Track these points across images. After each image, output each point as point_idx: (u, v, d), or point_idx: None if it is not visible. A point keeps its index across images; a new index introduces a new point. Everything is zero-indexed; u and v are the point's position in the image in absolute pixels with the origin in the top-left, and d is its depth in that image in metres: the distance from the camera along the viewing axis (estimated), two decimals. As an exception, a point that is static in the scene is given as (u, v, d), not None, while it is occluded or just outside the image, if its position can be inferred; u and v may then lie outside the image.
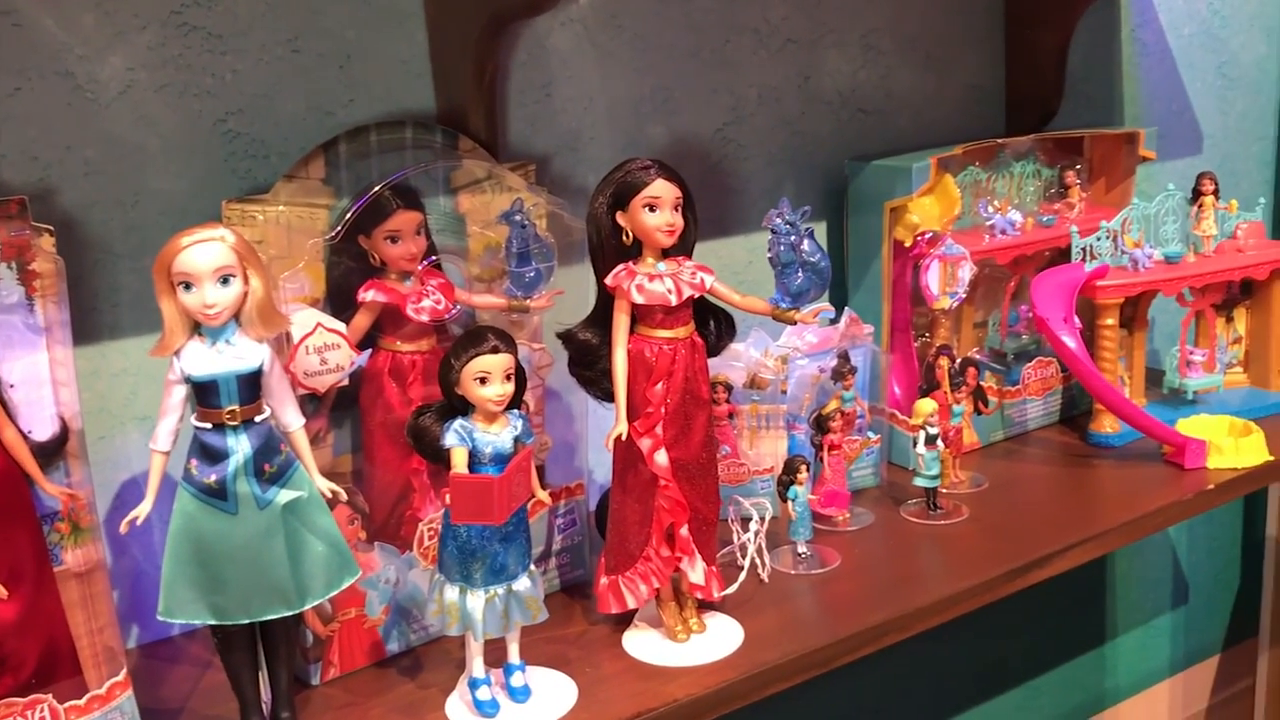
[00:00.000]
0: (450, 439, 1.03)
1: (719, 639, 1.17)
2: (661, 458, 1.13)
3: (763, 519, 1.28)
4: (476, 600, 1.04)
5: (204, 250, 0.93)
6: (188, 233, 0.93)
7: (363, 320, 1.15)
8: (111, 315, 1.18)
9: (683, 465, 1.14)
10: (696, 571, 1.17)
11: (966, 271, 1.51)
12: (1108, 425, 1.60)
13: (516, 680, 1.08)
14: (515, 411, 1.06)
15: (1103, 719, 2.26)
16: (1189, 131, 2.06)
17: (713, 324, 1.18)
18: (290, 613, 1.00)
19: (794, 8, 1.57)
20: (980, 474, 1.52)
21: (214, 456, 0.96)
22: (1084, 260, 1.56)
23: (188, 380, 0.96)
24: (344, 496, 1.05)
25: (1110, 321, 1.57)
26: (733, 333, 1.20)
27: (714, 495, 1.18)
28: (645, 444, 1.13)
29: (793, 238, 1.10)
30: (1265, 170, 2.22)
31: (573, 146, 1.43)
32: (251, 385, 0.97)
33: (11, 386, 0.97)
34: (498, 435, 1.04)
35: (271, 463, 0.98)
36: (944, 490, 1.44)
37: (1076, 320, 1.52)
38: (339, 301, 1.15)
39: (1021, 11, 1.76)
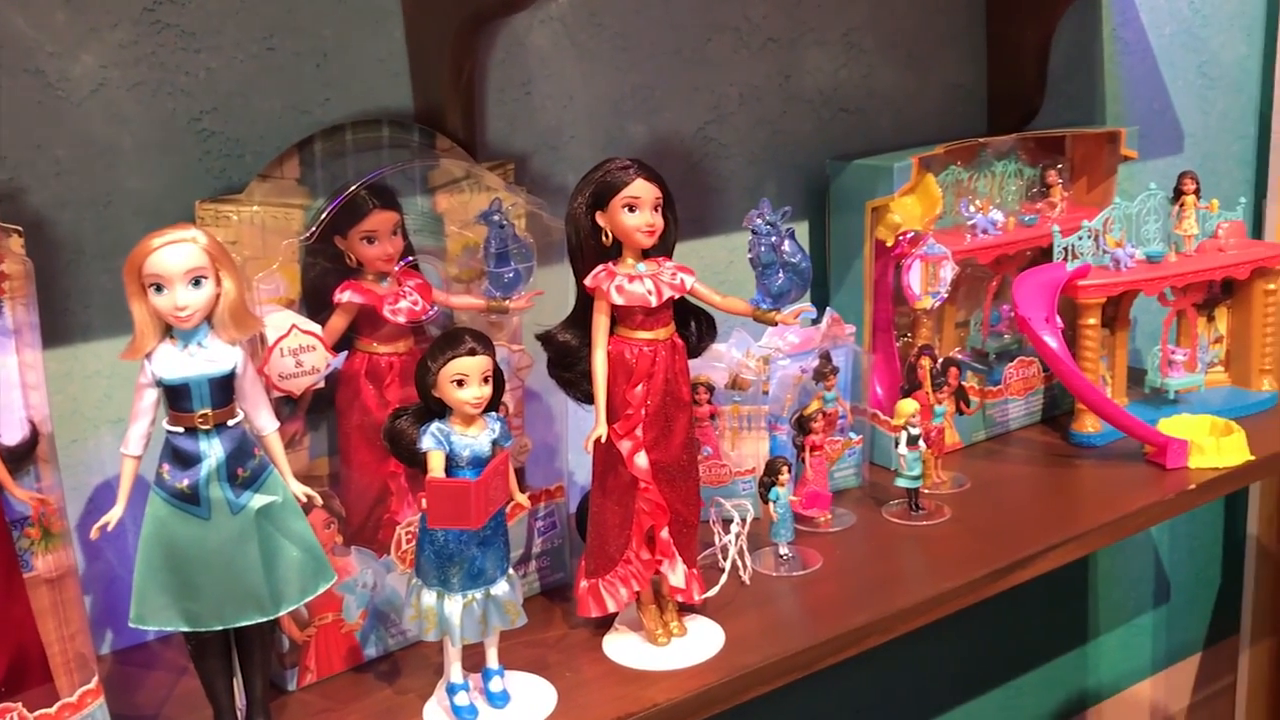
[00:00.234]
0: (427, 442, 1.02)
1: (700, 642, 1.16)
2: (641, 460, 1.12)
3: (744, 521, 1.27)
4: (454, 605, 1.03)
5: (175, 252, 0.91)
6: (158, 234, 0.92)
7: (339, 322, 1.14)
8: (84, 316, 1.16)
9: (663, 467, 1.13)
10: (677, 574, 1.16)
11: (948, 271, 1.50)
12: (1089, 425, 1.60)
13: (495, 685, 1.07)
14: (493, 414, 1.05)
15: (1085, 718, 2.26)
16: (1170, 131, 2.07)
17: (693, 325, 1.17)
18: (265, 619, 0.99)
19: (775, 6, 1.56)
20: (962, 474, 1.52)
21: (186, 461, 0.94)
22: (1066, 260, 1.56)
23: (159, 383, 0.94)
24: (319, 501, 1.04)
25: (1092, 321, 1.57)
26: (713, 334, 1.19)
27: (695, 497, 1.17)
28: (625, 446, 1.12)
29: (773, 238, 1.10)
30: (1246, 169, 2.23)
31: (552, 145, 1.42)
32: (224, 388, 0.95)
33: (-21, 390, 0.96)
34: (475, 438, 1.03)
35: (245, 467, 0.96)
36: (926, 491, 1.43)
37: (1058, 320, 1.52)
38: (315, 303, 1.13)
39: (1003, 10, 1.75)
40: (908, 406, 1.39)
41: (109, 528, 0.96)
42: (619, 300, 1.09)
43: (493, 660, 1.08)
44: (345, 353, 1.16)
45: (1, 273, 0.95)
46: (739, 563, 1.27)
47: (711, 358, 1.35)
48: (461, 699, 1.05)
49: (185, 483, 0.94)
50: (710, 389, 1.37)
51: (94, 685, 0.99)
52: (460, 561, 1.02)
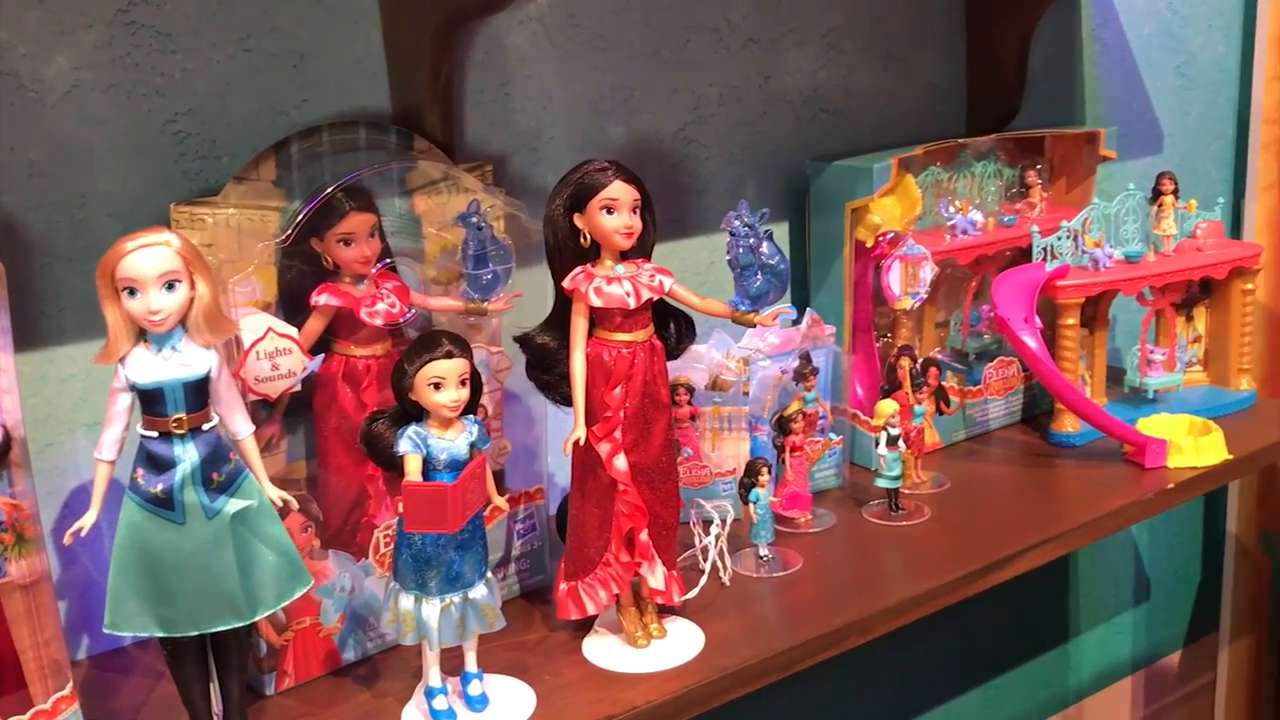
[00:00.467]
0: (404, 446, 1.02)
1: (680, 644, 1.16)
2: (620, 462, 1.12)
3: (724, 522, 1.27)
4: (432, 609, 1.03)
5: (148, 255, 0.90)
6: (132, 237, 0.91)
7: (316, 324, 1.13)
8: (58, 320, 1.15)
9: (642, 470, 1.13)
10: (656, 576, 1.16)
11: (928, 272, 1.50)
12: (1069, 425, 1.61)
13: (474, 689, 1.07)
14: (471, 417, 1.05)
15: (1066, 716, 2.27)
16: (1149, 131, 2.07)
17: (672, 327, 1.17)
18: (240, 624, 0.98)
19: (754, 7, 1.56)
20: (942, 474, 1.52)
21: (160, 465, 0.94)
22: (1045, 260, 1.56)
23: (133, 388, 0.93)
24: (294, 505, 1.03)
25: (1071, 321, 1.58)
26: (692, 335, 1.19)
27: (674, 499, 1.17)
28: (604, 449, 1.11)
29: (751, 240, 1.10)
30: (1224, 170, 2.24)
31: (531, 147, 1.42)
32: (199, 392, 0.95)
33: (-49, 395, 0.95)
34: (453, 441, 1.03)
35: (220, 471, 0.96)
36: (906, 491, 1.43)
37: (1037, 320, 1.52)
38: (291, 305, 1.13)
39: (982, 11, 1.75)
40: (887, 407, 1.39)
41: (82, 533, 0.95)
42: (597, 302, 1.09)
43: (471, 664, 1.07)
44: (322, 355, 1.15)
45: (-26, 276, 0.94)
46: (719, 564, 1.27)
47: (692, 359, 1.35)
48: (440, 703, 1.05)
49: (160, 487, 0.94)
50: (690, 390, 1.37)
51: (68, 691, 0.99)
52: (438, 565, 1.02)
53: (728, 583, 1.28)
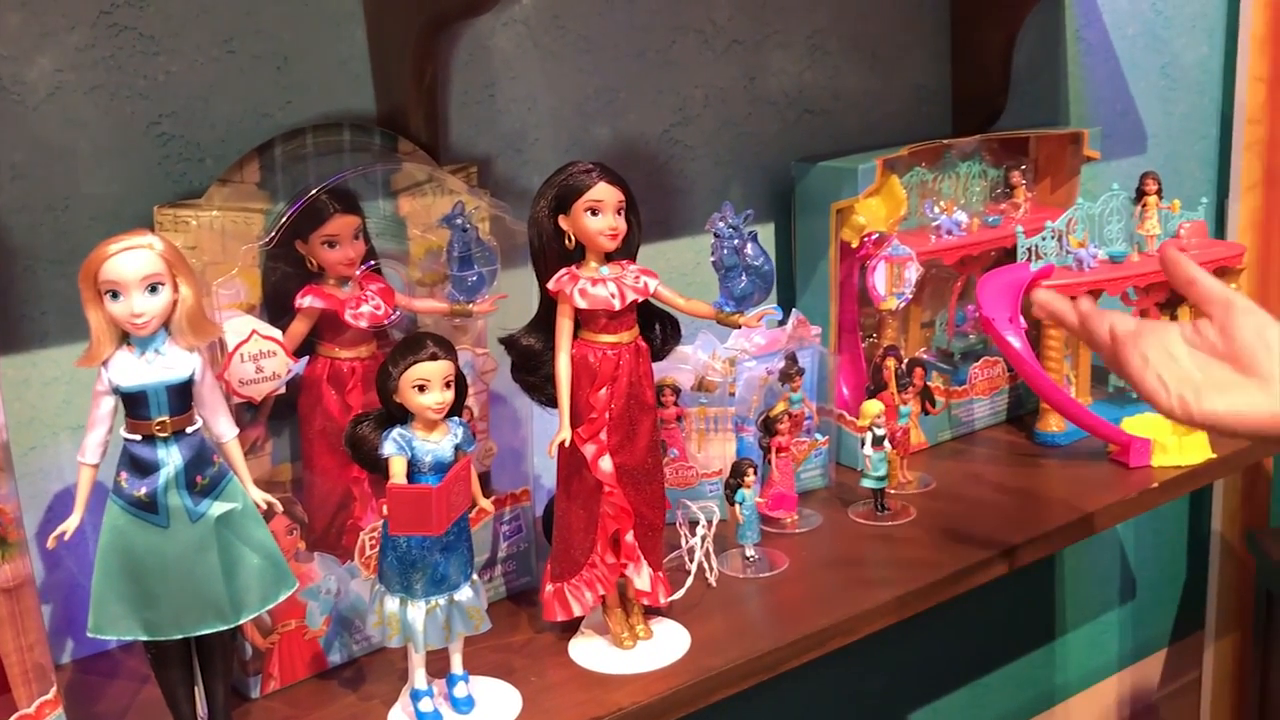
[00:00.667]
0: (388, 448, 1.01)
1: (666, 645, 1.16)
2: (606, 464, 1.12)
3: (710, 523, 1.27)
4: (417, 611, 1.03)
5: (131, 258, 0.90)
6: (114, 240, 0.90)
7: (300, 326, 1.13)
8: (41, 323, 1.15)
9: (627, 471, 1.13)
10: (642, 578, 1.16)
11: (913, 272, 1.51)
12: (1054, 424, 1.61)
13: (459, 691, 1.07)
14: (456, 419, 1.05)
15: (1052, 715, 2.27)
16: (1133, 131, 2.08)
17: (658, 328, 1.17)
18: (225, 628, 0.98)
19: (739, 8, 1.57)
20: (928, 474, 1.53)
21: (144, 469, 0.93)
22: (1029, 260, 1.57)
23: (116, 391, 0.93)
24: (279, 508, 1.03)
25: (1055, 321, 1.58)
26: (678, 337, 1.19)
27: (660, 500, 1.17)
28: (589, 450, 1.11)
29: (736, 241, 1.10)
30: (1208, 170, 2.25)
31: (516, 148, 1.42)
32: (182, 395, 0.94)
33: (-67, 398, 0.94)
34: (438, 443, 1.03)
35: (204, 474, 0.95)
36: (891, 491, 1.44)
37: (1022, 320, 1.52)
38: (276, 307, 1.12)
39: (967, 12, 1.76)
40: (873, 407, 1.39)
41: (66, 537, 0.95)
42: (582, 304, 1.09)
43: (457, 666, 1.07)
44: (307, 358, 1.15)
45: (-45, 279, 0.94)
46: (705, 565, 1.27)
47: (678, 360, 1.35)
48: (426, 705, 1.05)
49: (143, 491, 0.93)
50: (676, 391, 1.37)
51: (52, 696, 0.98)
52: (423, 568, 1.02)
53: (714, 583, 1.28)
